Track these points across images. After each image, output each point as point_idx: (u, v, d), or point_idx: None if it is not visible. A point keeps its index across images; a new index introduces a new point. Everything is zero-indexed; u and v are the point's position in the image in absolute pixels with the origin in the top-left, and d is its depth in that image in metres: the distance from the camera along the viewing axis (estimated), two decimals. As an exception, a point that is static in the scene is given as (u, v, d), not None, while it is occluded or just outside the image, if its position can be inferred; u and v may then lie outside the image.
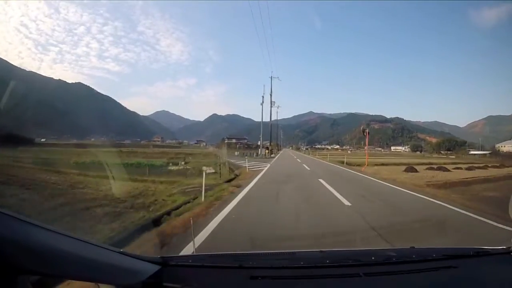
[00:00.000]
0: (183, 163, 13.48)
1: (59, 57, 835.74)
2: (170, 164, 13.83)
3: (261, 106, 39.38)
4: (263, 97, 39.71)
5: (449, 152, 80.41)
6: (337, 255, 1.47)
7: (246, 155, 34.93)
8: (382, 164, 21.09)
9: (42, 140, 71.27)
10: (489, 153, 74.21)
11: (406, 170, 15.31)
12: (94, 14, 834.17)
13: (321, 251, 1.40)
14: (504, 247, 1.47)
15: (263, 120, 42.21)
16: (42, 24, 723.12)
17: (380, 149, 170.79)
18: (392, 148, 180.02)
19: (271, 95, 40.90)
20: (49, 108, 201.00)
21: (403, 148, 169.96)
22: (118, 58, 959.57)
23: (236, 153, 42.26)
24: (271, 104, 41.43)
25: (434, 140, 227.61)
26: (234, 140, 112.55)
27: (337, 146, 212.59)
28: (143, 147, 55.00)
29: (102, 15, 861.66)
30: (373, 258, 1.32)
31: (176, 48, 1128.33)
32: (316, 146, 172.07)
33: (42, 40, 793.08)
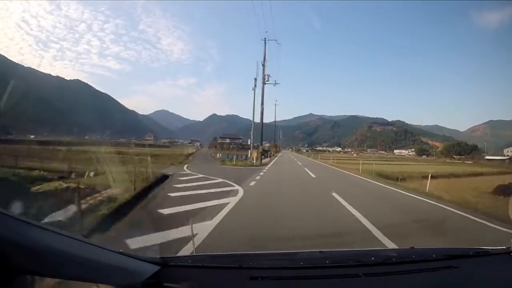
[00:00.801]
0: (92, 174, 7.86)
1: (60, 54, 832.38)
2: (73, 175, 7.94)
3: (253, 91, 25.32)
4: (255, 79, 24.98)
5: (462, 157, 73.99)
6: (337, 256, 1.47)
7: (229, 158, 25.97)
8: (424, 177, 14.26)
9: (32, 137, 68.36)
10: (508, 159, 68.33)
11: (497, 193, 9.33)
12: (95, 12, 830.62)
13: (321, 252, 1.39)
14: (504, 247, 1.46)
15: (261, 121, 27.49)
16: (43, 21, 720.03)
17: (383, 152, 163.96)
18: (395, 151, 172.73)
19: (263, 64, 24.97)
20: (45, 104, 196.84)
21: (407, 152, 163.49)
22: (119, 56, 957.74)
23: (218, 155, 32.02)
24: (263, 78, 24.74)
25: (436, 144, 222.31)
26: (228, 140, 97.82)
27: (339, 149, 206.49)
28: (124, 145, 49.19)
29: (103, 12, 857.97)
30: (373, 258, 1.30)
31: (177, 47, 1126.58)
32: (317, 148, 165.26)
33: (43, 36, 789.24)
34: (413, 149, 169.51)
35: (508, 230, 4.01)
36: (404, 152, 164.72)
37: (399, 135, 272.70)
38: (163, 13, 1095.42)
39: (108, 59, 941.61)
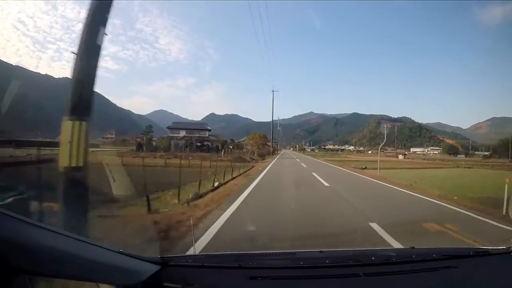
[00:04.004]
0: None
1: (57, 55, 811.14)
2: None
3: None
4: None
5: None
6: (337, 255, 1.48)
7: None
8: None
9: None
10: None
11: None
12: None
13: (321, 251, 1.40)
14: (504, 247, 1.46)
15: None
16: (40, 21, 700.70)
17: (401, 150, 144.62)
18: (412, 150, 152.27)
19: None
20: (28, 102, 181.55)
21: (427, 150, 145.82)
22: (116, 56, 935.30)
23: None
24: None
25: (450, 142, 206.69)
26: (180, 134, 50.69)
27: (350, 147, 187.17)
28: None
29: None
30: (373, 258, 1.31)
31: (175, 47, 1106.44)
32: (325, 147, 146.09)
33: (40, 37, 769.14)
34: (432, 147, 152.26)
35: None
36: (425, 150, 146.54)
37: (413, 131, 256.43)
38: (160, 12, 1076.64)
39: (105, 59, 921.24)
